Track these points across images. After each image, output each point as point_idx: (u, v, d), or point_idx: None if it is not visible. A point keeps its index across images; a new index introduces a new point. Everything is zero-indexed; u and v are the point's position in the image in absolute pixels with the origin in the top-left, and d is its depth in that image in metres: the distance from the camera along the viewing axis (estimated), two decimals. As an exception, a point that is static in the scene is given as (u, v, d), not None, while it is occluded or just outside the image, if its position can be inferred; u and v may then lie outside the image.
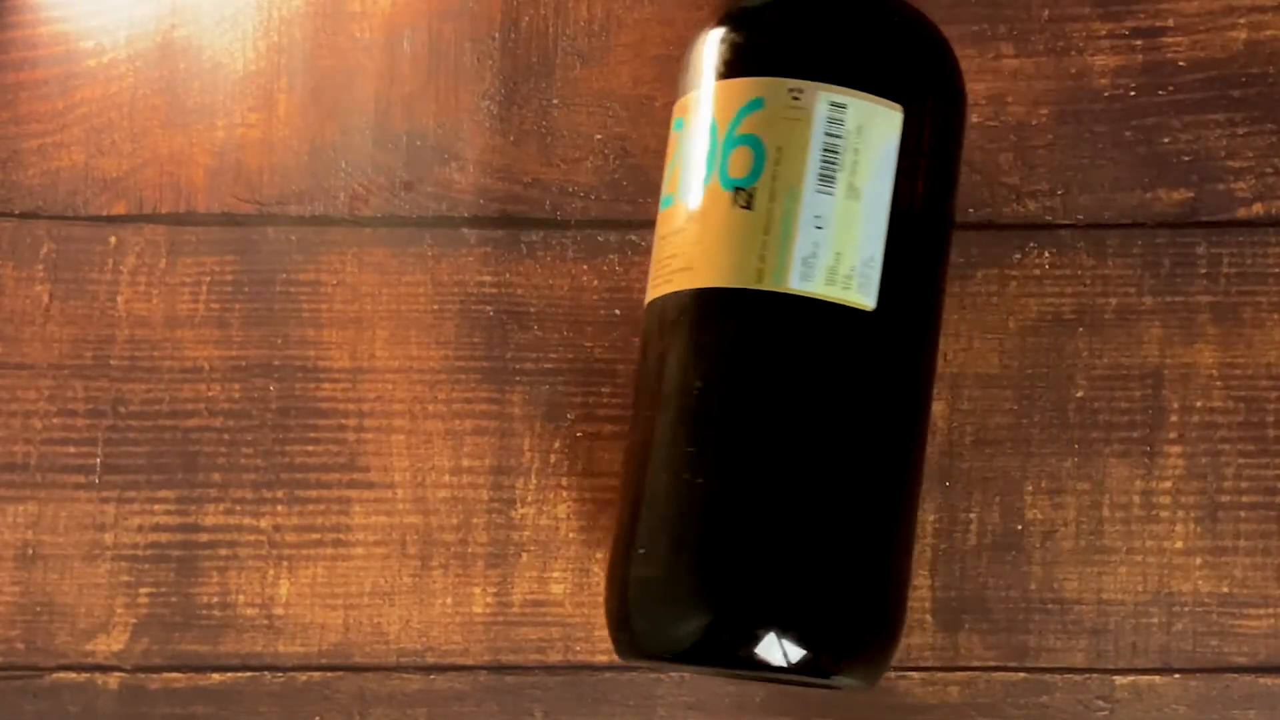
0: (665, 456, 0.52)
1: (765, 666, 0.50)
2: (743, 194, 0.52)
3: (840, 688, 0.54)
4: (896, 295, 0.52)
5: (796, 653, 0.50)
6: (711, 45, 0.54)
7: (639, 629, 0.52)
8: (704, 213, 0.52)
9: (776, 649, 0.50)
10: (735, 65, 0.53)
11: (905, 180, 0.52)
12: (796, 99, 0.52)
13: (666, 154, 0.55)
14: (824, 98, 0.52)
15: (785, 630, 0.50)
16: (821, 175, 0.51)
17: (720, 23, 0.54)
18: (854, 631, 0.52)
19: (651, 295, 0.54)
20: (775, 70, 0.52)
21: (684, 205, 0.53)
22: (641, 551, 0.52)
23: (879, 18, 0.54)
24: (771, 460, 0.51)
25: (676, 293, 0.52)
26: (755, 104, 0.52)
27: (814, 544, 0.51)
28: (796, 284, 0.51)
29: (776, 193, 0.51)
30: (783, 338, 0.51)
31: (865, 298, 0.51)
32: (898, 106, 0.52)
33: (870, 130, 0.52)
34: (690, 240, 0.52)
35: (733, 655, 0.50)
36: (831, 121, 0.52)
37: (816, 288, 0.51)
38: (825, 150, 0.52)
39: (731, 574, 0.51)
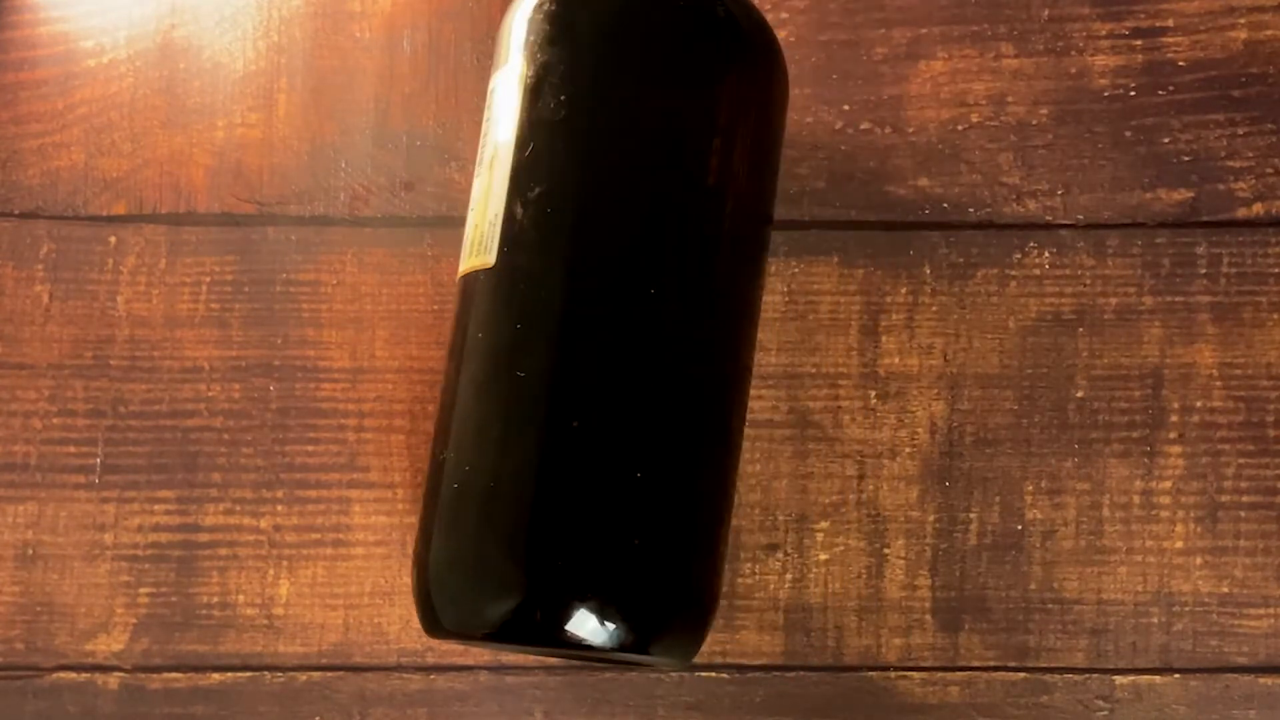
0: (458, 430, 0.52)
1: (576, 644, 0.49)
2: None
3: (652, 666, 0.54)
4: (517, 239, 0.52)
5: (607, 630, 0.50)
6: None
7: (442, 610, 0.51)
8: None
9: (586, 625, 0.49)
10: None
11: (531, 130, 0.52)
12: (493, 95, 0.54)
13: None
14: (490, 87, 0.54)
15: (594, 607, 0.49)
16: (479, 161, 0.54)
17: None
18: (665, 608, 0.51)
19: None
20: (500, 68, 0.54)
21: None
22: (446, 528, 0.51)
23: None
24: (563, 433, 0.50)
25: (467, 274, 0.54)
26: (491, 105, 0.55)
27: (616, 518, 0.50)
28: (465, 261, 0.53)
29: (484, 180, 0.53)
30: (493, 319, 0.52)
31: (489, 255, 0.52)
32: (517, 62, 0.53)
33: (496, 94, 0.53)
34: None
35: (543, 633, 0.50)
36: (489, 107, 0.54)
37: (471, 264, 0.52)
38: (483, 135, 0.54)
39: (538, 551, 0.50)
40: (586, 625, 0.49)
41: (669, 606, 0.51)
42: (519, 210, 0.51)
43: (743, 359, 0.54)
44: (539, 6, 0.53)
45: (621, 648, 0.50)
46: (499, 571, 0.50)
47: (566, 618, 0.49)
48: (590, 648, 0.50)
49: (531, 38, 0.53)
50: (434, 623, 0.51)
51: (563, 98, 0.52)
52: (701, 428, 0.52)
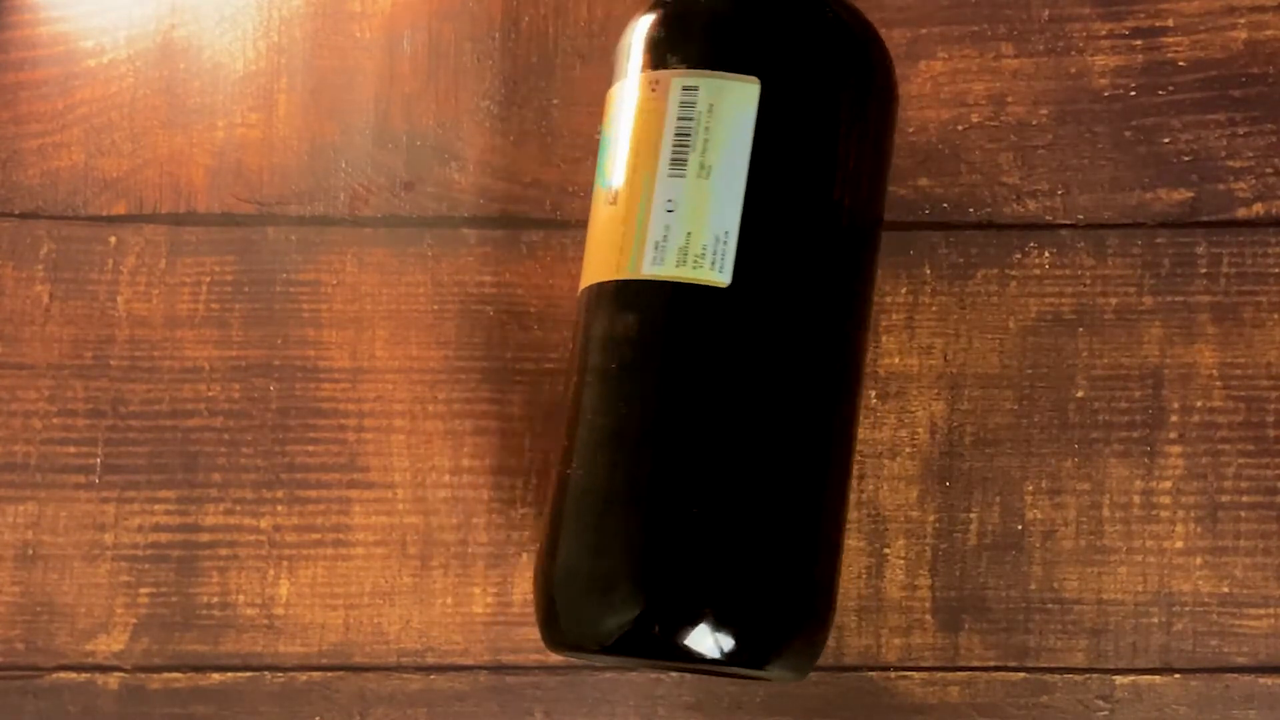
0: (582, 446, 0.52)
1: (694, 658, 0.50)
2: (611, 192, 0.53)
3: (770, 679, 0.54)
4: (758, 266, 0.52)
5: (726, 644, 0.50)
6: (619, 50, 0.55)
7: (564, 621, 0.51)
8: (592, 215, 0.54)
9: (705, 640, 0.50)
10: (616, 72, 0.55)
11: (769, 152, 0.52)
12: (654, 90, 0.53)
13: None
14: (676, 84, 0.52)
15: (714, 621, 0.50)
16: (674, 159, 0.52)
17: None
18: (784, 623, 0.51)
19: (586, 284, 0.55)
20: (640, 68, 0.53)
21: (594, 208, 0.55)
22: (567, 542, 0.52)
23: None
24: (685, 449, 0.51)
25: (585, 288, 0.54)
26: (628, 104, 0.53)
27: (738, 533, 0.51)
28: (648, 269, 0.51)
29: (634, 185, 0.52)
30: (647, 321, 0.52)
31: (720, 274, 0.51)
32: (754, 80, 0.52)
33: (722, 106, 0.52)
34: (589, 241, 0.54)
35: (662, 647, 0.50)
36: (684, 105, 0.52)
37: (667, 270, 0.51)
38: (677, 135, 0.52)
39: (659, 565, 0.50)
40: (707, 640, 0.50)
41: (789, 620, 0.52)
42: (753, 229, 0.52)
43: (860, 367, 0.55)
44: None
45: (742, 662, 0.50)
46: (620, 585, 0.50)
47: (686, 632, 0.50)
48: (711, 662, 0.50)
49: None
50: (555, 635, 0.52)
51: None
52: (822, 440, 0.53)
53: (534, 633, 0.58)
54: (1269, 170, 0.59)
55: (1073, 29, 0.60)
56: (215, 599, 0.59)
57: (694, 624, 0.50)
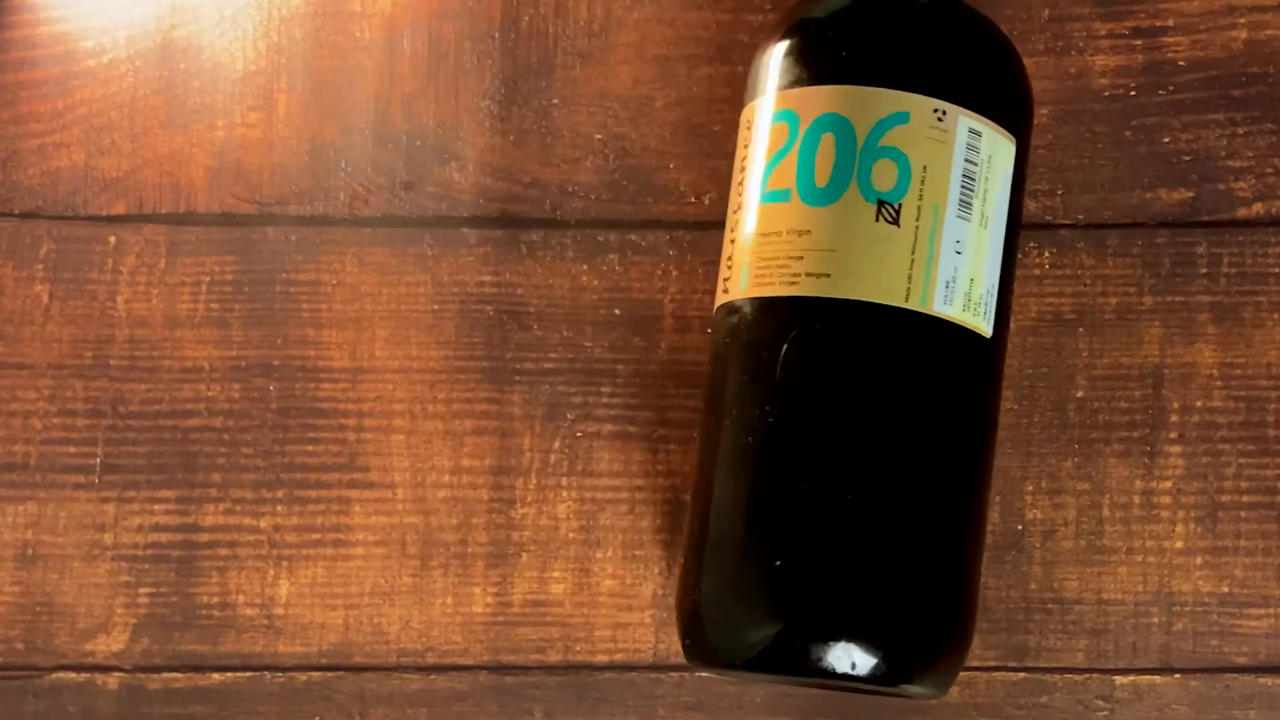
0: (745, 461, 0.52)
1: (837, 675, 0.50)
2: (889, 209, 0.51)
3: (911, 696, 0.54)
4: (1001, 322, 0.53)
5: (869, 661, 0.50)
6: (842, 42, 0.53)
7: (710, 636, 0.52)
8: (841, 221, 0.51)
9: (849, 657, 0.50)
10: (873, 72, 0.52)
11: (1011, 212, 0.54)
12: (940, 120, 0.52)
13: (753, 142, 0.54)
14: (964, 123, 0.52)
15: (858, 638, 0.50)
16: (961, 200, 0.52)
17: (847, 17, 0.54)
18: (928, 640, 0.52)
19: (761, 292, 0.52)
20: (919, 87, 0.52)
21: (808, 207, 0.52)
22: (713, 557, 0.52)
23: (1003, 49, 0.54)
24: (859, 471, 0.51)
25: (805, 297, 0.51)
26: (899, 118, 0.52)
27: (889, 553, 0.51)
28: (940, 306, 0.51)
29: (922, 212, 0.51)
30: (917, 356, 0.52)
31: (986, 324, 0.53)
32: (1012, 139, 0.53)
33: (996, 160, 0.53)
34: (823, 245, 0.51)
35: (805, 663, 0.50)
36: (970, 148, 0.52)
37: (955, 312, 0.52)
38: (965, 176, 0.52)
39: (805, 582, 0.51)
40: (855, 657, 0.50)
41: (931, 638, 0.52)
42: (1003, 286, 0.54)
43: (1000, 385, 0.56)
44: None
45: (886, 679, 0.51)
46: (762, 601, 0.51)
47: (830, 649, 0.50)
48: (857, 679, 0.50)
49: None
50: (699, 652, 0.52)
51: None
52: (971, 466, 0.53)
53: (533, 633, 0.58)
54: (1269, 170, 0.59)
55: (1073, 29, 0.60)
56: (215, 599, 0.59)
57: (842, 641, 0.50)
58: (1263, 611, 0.58)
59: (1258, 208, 0.59)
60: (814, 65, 0.53)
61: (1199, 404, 0.59)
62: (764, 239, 0.52)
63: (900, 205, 0.51)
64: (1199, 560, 0.58)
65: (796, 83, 0.53)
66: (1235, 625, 0.58)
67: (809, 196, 0.52)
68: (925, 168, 0.51)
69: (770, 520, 0.51)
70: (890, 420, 0.51)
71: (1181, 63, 0.60)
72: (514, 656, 0.58)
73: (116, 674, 0.59)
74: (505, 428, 0.59)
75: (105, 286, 0.60)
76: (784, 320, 0.52)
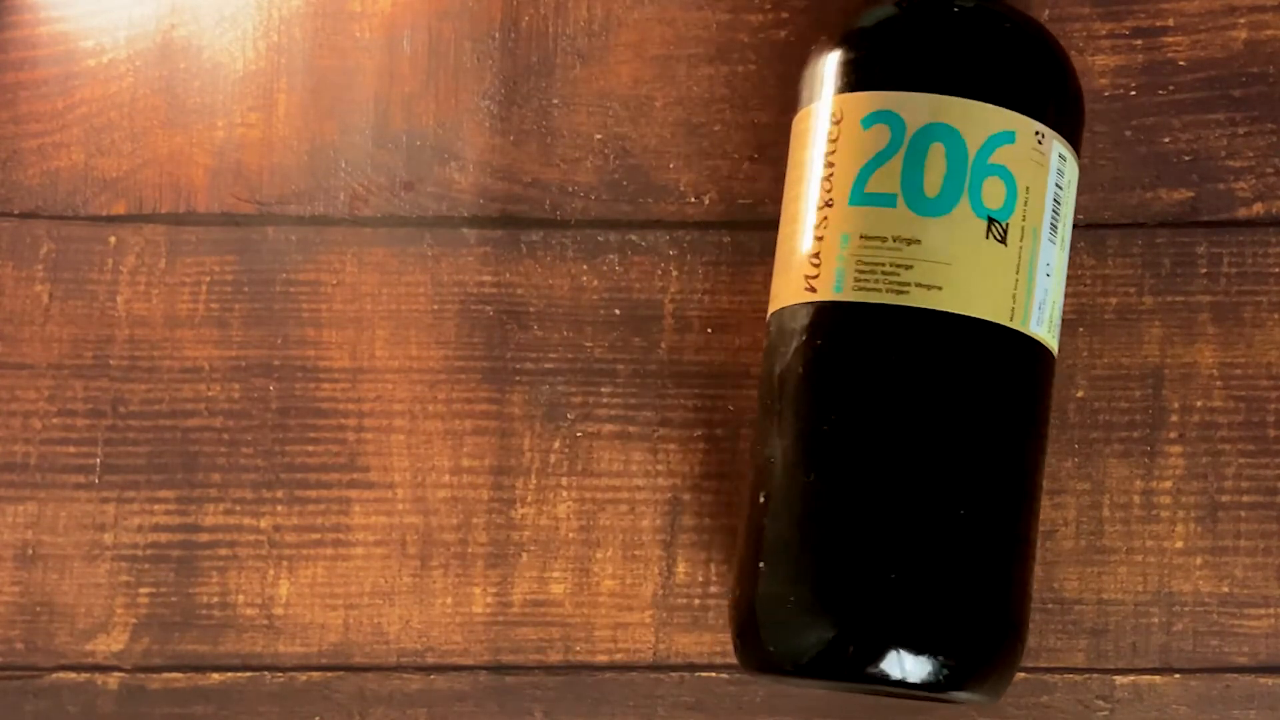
0: (821, 464, 0.52)
1: (891, 681, 0.50)
2: (998, 227, 0.52)
3: (963, 703, 0.54)
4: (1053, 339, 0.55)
5: (924, 668, 0.50)
6: (956, 53, 0.53)
7: (763, 642, 0.52)
8: (953, 235, 0.51)
9: (903, 664, 0.50)
10: (985, 88, 0.52)
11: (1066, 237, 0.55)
12: (1040, 142, 0.52)
13: (845, 144, 0.53)
14: (1055, 148, 0.53)
15: (912, 645, 0.50)
16: (1051, 224, 0.53)
17: (957, 23, 0.53)
18: (981, 647, 0.52)
19: (864, 297, 0.51)
20: (1023, 108, 0.52)
21: (917, 215, 0.51)
22: (764, 565, 0.52)
23: (1076, 77, 0.55)
24: (917, 478, 0.51)
25: (916, 309, 0.51)
26: (1007, 136, 0.52)
27: (943, 560, 0.51)
28: (1034, 326, 0.52)
29: (1025, 233, 0.52)
30: (1010, 372, 0.52)
31: (1055, 342, 0.54)
32: (1077, 167, 0.55)
33: (1071, 187, 0.54)
34: (934, 257, 0.51)
35: (858, 670, 0.50)
36: (1059, 172, 0.53)
37: (1042, 332, 0.53)
38: (1054, 200, 0.53)
39: (858, 588, 0.51)
40: (909, 664, 0.50)
41: (986, 644, 0.52)
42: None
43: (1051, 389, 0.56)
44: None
45: (942, 686, 0.51)
46: (818, 608, 0.51)
47: (885, 656, 0.50)
48: (912, 686, 0.50)
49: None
50: (754, 658, 0.52)
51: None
52: (1027, 475, 0.54)
53: (533, 633, 0.58)
54: (1269, 170, 0.59)
55: (1073, 29, 0.60)
56: (215, 599, 0.59)
57: (889, 648, 0.50)
58: (1263, 611, 0.58)
59: (1258, 208, 0.59)
60: (921, 69, 0.52)
61: (1199, 404, 0.59)
62: (866, 243, 0.51)
63: (1008, 225, 0.52)
64: (1199, 560, 0.58)
65: (895, 85, 0.52)
66: (1235, 625, 0.58)
67: (917, 205, 0.51)
68: (1028, 189, 0.52)
69: (864, 529, 0.51)
70: (976, 432, 0.52)
71: (1181, 63, 0.60)
72: (514, 656, 0.58)
73: (116, 674, 0.59)
74: (505, 428, 0.59)
75: (105, 286, 0.60)
76: (890, 328, 0.51)
